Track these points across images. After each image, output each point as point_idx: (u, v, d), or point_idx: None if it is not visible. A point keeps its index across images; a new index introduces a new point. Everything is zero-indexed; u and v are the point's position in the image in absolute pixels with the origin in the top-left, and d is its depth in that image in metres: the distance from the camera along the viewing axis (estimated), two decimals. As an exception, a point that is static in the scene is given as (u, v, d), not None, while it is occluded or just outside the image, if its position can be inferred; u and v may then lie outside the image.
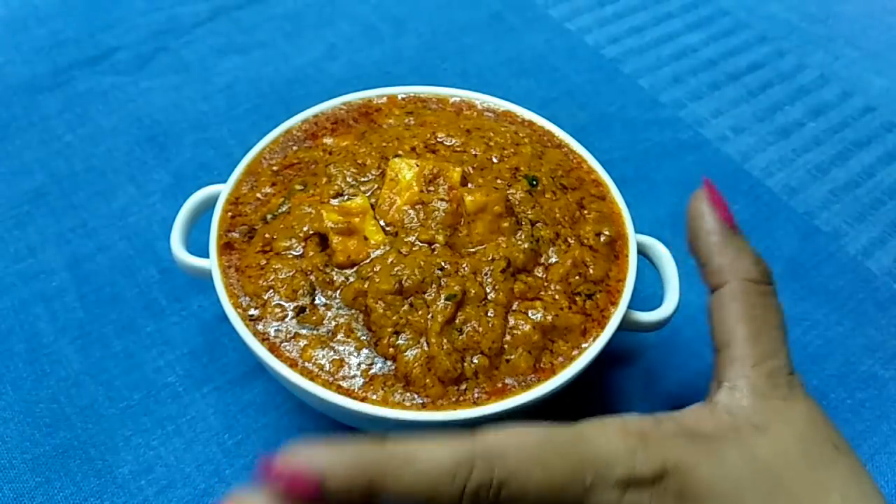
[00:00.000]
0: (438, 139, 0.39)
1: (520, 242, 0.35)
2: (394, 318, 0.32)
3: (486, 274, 0.34)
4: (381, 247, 0.34)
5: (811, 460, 0.28)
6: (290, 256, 0.35)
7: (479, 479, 0.25)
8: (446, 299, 0.32)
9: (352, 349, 0.32)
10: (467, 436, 0.26)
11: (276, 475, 0.23)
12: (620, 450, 0.27)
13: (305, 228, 0.35)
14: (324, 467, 0.23)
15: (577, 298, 0.34)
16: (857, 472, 0.28)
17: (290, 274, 0.34)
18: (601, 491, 0.26)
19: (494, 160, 0.38)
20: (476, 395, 0.31)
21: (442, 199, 0.35)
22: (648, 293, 0.40)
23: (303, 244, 0.35)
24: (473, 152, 0.39)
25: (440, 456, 0.25)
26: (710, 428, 0.29)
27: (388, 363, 0.32)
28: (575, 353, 0.33)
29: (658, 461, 0.27)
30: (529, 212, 0.36)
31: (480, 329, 0.32)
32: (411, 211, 0.35)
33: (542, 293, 0.34)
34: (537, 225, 0.36)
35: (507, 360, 0.32)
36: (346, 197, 0.36)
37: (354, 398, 0.31)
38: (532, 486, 0.25)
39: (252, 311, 0.33)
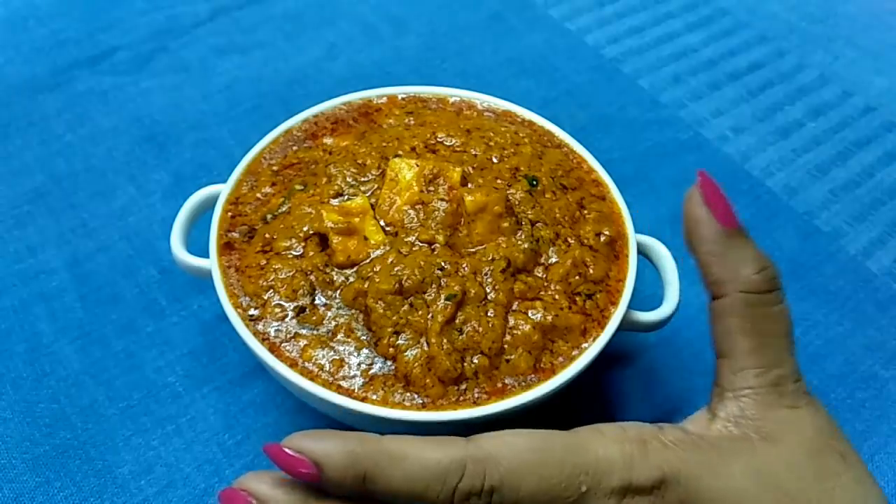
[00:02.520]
0: (438, 139, 0.39)
1: (520, 242, 0.35)
2: (394, 318, 0.32)
3: (486, 274, 0.34)
4: (381, 247, 0.34)
5: (819, 471, 0.28)
6: (290, 256, 0.35)
7: (471, 483, 0.25)
8: (446, 299, 0.32)
9: (352, 349, 0.32)
10: (463, 440, 0.26)
11: (279, 461, 0.25)
12: (617, 458, 0.26)
13: (305, 228, 0.35)
14: (321, 457, 0.25)
15: (577, 298, 0.34)
16: (863, 482, 0.28)
17: (290, 274, 0.34)
18: (596, 499, 0.26)
19: (494, 160, 0.38)
20: (476, 395, 0.31)
21: (442, 199, 0.35)
22: (648, 293, 0.40)
23: (303, 244, 0.35)
24: (473, 152, 0.39)
25: (432, 457, 0.25)
26: (714, 438, 0.28)
27: (388, 363, 0.32)
28: (575, 353, 0.33)
29: (657, 470, 0.26)
30: (529, 212, 0.36)
31: (480, 329, 0.32)
32: (411, 211, 0.35)
33: (542, 293, 0.34)
34: (537, 225, 0.36)
35: (507, 360, 0.32)
36: (346, 197, 0.36)
37: (354, 398, 0.31)
38: (524, 492, 0.25)
39: (252, 311, 0.33)
